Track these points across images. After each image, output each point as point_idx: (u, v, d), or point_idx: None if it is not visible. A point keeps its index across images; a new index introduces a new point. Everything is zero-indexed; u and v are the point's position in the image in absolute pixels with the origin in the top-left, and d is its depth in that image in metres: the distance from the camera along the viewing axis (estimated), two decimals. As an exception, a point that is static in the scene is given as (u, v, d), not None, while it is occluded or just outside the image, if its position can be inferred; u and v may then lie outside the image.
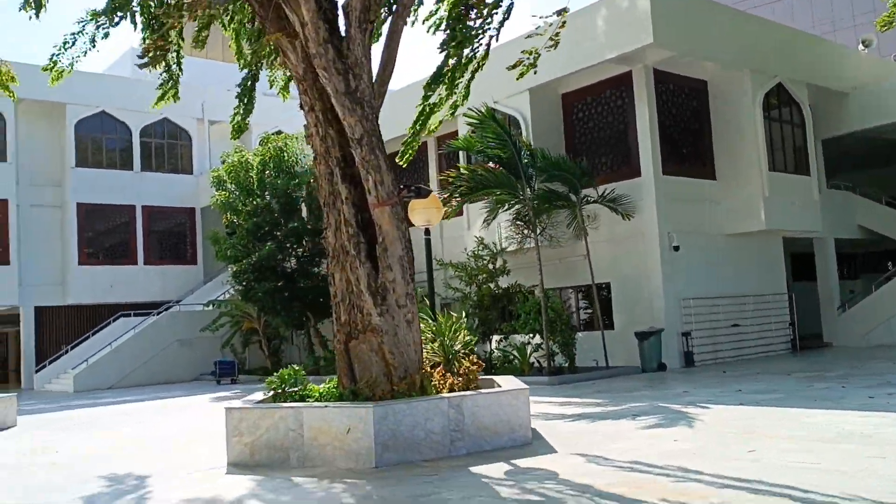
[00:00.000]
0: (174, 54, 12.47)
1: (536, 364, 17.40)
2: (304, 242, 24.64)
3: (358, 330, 9.18)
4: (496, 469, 7.37)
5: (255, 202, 24.13)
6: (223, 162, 26.93)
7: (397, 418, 7.99)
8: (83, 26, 10.28)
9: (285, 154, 25.00)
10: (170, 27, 10.62)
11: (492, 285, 19.48)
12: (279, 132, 27.88)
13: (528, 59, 10.82)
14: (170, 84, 13.00)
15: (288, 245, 24.23)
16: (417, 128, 12.22)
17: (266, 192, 24.30)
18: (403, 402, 8.14)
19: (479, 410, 8.48)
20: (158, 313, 29.28)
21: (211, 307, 27.61)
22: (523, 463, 7.58)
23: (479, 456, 8.07)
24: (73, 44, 11.08)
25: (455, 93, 12.41)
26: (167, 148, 32.72)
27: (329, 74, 8.71)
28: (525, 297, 18.65)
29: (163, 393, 22.13)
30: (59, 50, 10.66)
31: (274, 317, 24.43)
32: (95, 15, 10.34)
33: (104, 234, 31.21)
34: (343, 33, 9.31)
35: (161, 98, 13.27)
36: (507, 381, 9.87)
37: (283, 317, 24.18)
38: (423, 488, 6.70)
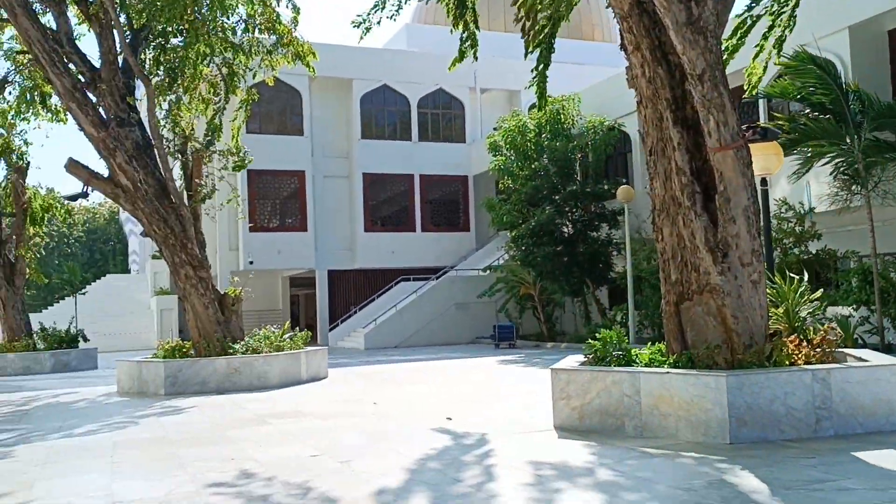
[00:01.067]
0: (471, 12, 12.29)
1: (860, 340, 15.21)
2: (580, 206, 23.94)
3: (692, 290, 8.24)
4: (890, 457, 6.13)
5: (532, 166, 23.87)
6: (495, 129, 27.07)
7: (753, 390, 6.99)
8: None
9: (562, 116, 24.43)
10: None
11: (797, 250, 17.48)
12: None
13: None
14: (468, 43, 12.82)
15: (567, 209, 23.68)
16: (735, 42, 10.88)
17: (544, 156, 23.93)
18: (761, 373, 7.12)
19: (850, 386, 7.20)
20: (437, 278, 30.38)
21: (487, 272, 28.06)
22: (923, 452, 6.26)
23: (853, 439, 6.84)
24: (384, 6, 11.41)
25: (778, 24, 10.94)
26: (441, 118, 33.69)
27: (668, 3, 7.78)
28: (835, 264, 16.44)
29: (446, 354, 22.78)
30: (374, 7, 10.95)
31: (552, 282, 24.12)
32: None
33: (386, 203, 32.98)
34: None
35: (461, 58, 13.07)
36: (868, 355, 8.40)
37: (562, 282, 23.78)
38: (808, 473, 5.68)
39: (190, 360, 14.15)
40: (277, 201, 31.60)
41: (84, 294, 30.24)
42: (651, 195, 8.95)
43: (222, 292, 15.61)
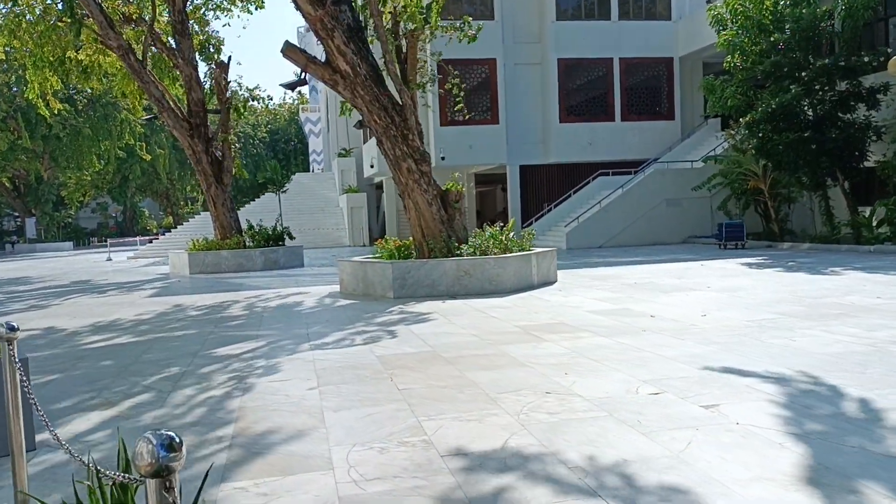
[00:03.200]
0: None
1: None
2: (830, 84, 20.28)
3: None
4: None
5: (770, 39, 20.50)
6: (708, 0, 23.61)
7: None
8: None
9: (806, -23, 20.68)
10: None
11: None
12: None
13: None
14: None
15: (817, 87, 20.22)
16: None
17: (785, 27, 20.44)
18: None
19: None
20: (636, 172, 27.86)
21: (703, 164, 25.25)
22: None
23: None
24: None
25: None
26: (644, -8, 30.22)
27: None
28: None
29: (668, 255, 20.63)
30: None
31: (792, 174, 21.02)
32: None
33: (582, 90, 30.38)
34: None
35: None
36: None
37: (804, 174, 20.66)
38: None
39: (418, 262, 13.01)
40: (465, 92, 29.78)
41: (284, 192, 30.37)
42: None
43: (444, 188, 14.28)
